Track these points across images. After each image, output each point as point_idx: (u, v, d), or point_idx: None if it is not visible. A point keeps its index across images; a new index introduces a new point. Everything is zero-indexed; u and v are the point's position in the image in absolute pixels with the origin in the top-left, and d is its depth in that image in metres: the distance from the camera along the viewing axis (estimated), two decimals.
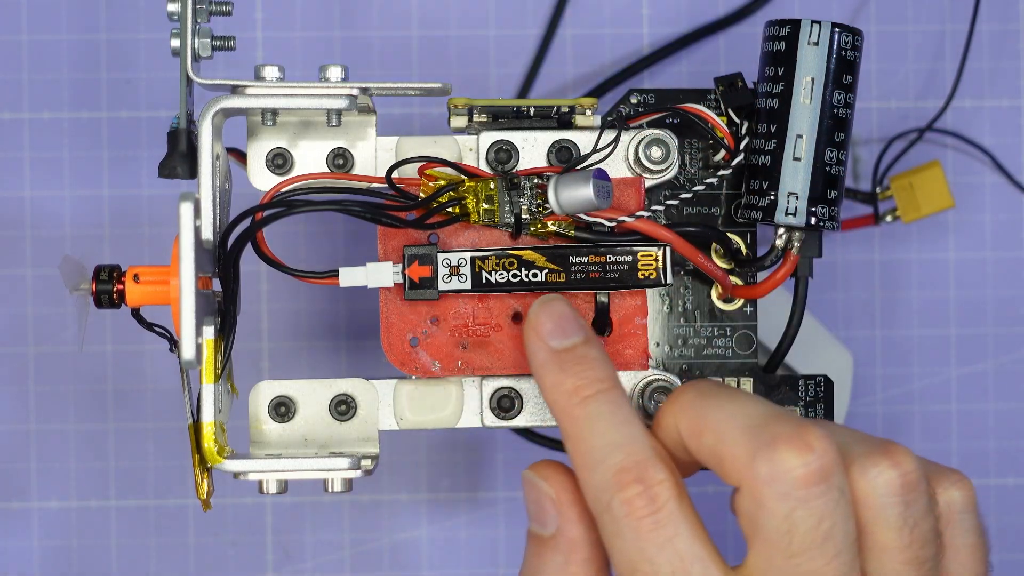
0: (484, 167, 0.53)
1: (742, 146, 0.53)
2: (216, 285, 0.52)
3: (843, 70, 0.52)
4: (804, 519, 0.44)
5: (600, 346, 0.49)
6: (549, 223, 0.51)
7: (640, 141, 0.53)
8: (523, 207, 0.51)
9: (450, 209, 0.51)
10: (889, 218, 0.66)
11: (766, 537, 0.45)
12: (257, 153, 0.53)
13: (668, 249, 0.52)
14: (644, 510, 0.45)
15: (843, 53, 0.52)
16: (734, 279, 0.54)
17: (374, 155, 0.53)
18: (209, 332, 0.50)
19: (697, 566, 0.45)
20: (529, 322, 0.49)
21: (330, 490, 0.51)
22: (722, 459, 0.46)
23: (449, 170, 0.52)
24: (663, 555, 0.45)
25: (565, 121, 0.53)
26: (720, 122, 0.53)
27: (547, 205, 0.51)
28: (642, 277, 0.52)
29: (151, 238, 0.66)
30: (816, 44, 0.51)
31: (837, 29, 0.51)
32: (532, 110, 0.53)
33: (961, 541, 0.48)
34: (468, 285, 0.52)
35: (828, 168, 0.52)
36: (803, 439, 0.44)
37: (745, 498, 0.45)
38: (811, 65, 0.51)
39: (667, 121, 0.54)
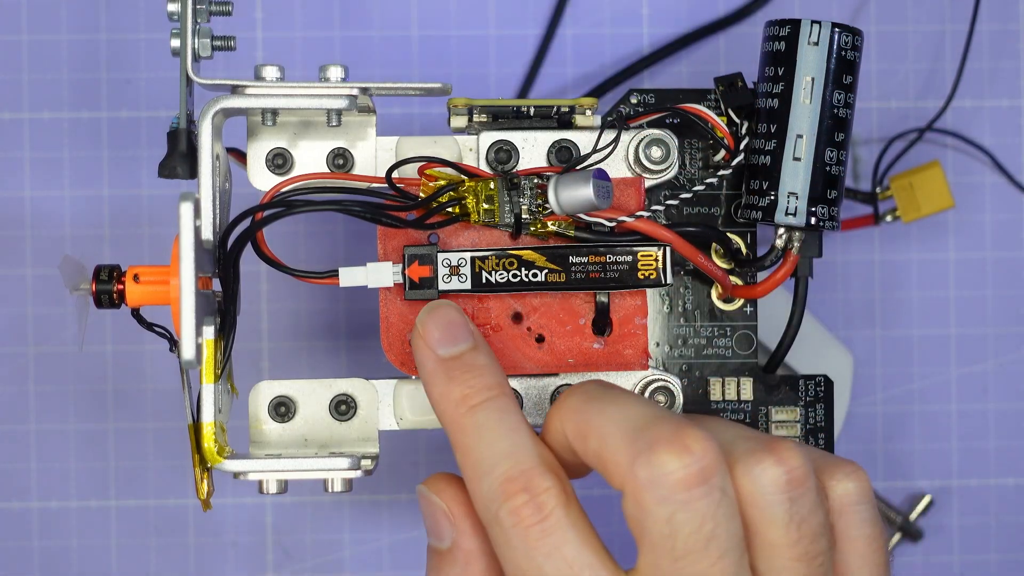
0: (484, 167, 0.53)
1: (742, 146, 0.53)
2: (216, 285, 0.52)
3: (843, 70, 0.52)
4: (686, 522, 0.44)
5: (489, 352, 0.49)
6: (549, 223, 0.51)
7: (640, 141, 0.53)
8: (523, 207, 0.51)
9: (450, 209, 0.51)
10: (889, 218, 0.66)
11: (651, 541, 0.45)
12: (257, 153, 0.53)
13: (668, 249, 0.52)
14: (531, 519, 0.45)
15: (843, 53, 0.52)
16: (734, 279, 0.54)
17: (374, 155, 0.53)
18: (209, 332, 0.50)
19: (587, 572, 0.45)
20: (416, 329, 0.49)
21: (330, 490, 0.51)
22: (605, 463, 0.45)
23: (449, 170, 0.52)
24: (551, 563, 0.45)
25: (565, 121, 0.53)
26: (720, 122, 0.53)
27: (547, 205, 0.51)
28: (642, 277, 0.52)
29: (151, 238, 0.66)
30: (816, 44, 0.51)
31: (837, 29, 0.51)
32: (532, 110, 0.53)
33: (857, 532, 0.48)
34: (468, 285, 0.52)
35: (828, 168, 0.52)
36: (681, 441, 0.44)
37: (629, 502, 0.45)
38: (811, 65, 0.51)
39: (667, 121, 0.54)
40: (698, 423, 0.46)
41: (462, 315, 0.49)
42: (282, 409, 0.53)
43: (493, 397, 0.47)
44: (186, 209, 0.48)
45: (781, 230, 0.53)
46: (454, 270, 0.51)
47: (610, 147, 0.52)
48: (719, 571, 0.44)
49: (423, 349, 0.49)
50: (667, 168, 0.53)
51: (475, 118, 0.53)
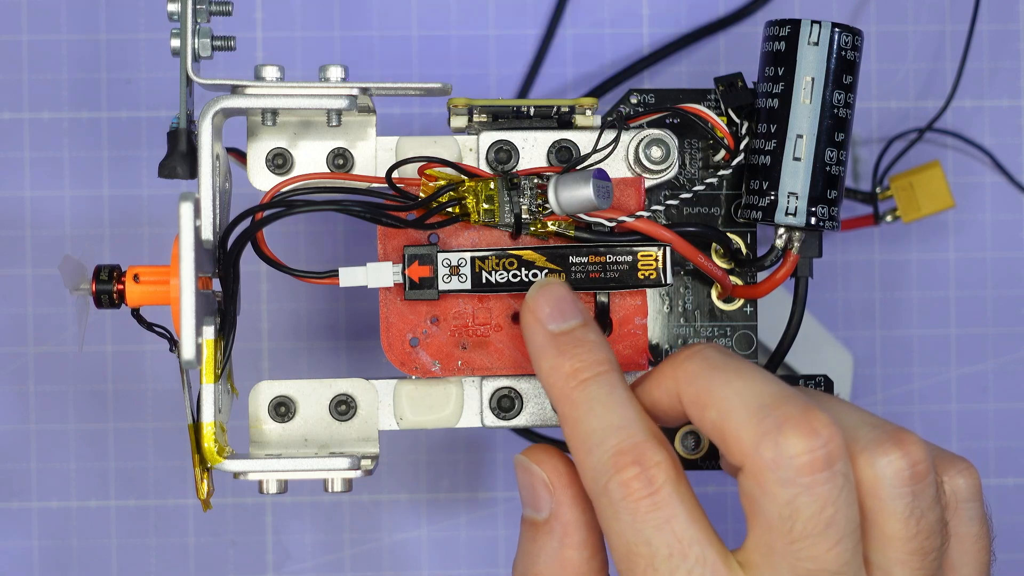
0: (484, 167, 0.53)
1: (742, 146, 0.53)
2: (216, 285, 0.52)
3: (843, 70, 0.52)
4: (807, 505, 0.44)
5: (598, 329, 0.49)
6: (549, 223, 0.51)
7: (640, 141, 0.53)
8: (523, 207, 0.51)
9: (450, 209, 0.51)
10: (889, 218, 0.66)
11: (767, 521, 0.45)
12: (257, 153, 0.53)
13: (668, 249, 0.52)
14: (641, 492, 0.45)
15: (843, 53, 0.52)
16: (734, 279, 0.54)
17: (374, 155, 0.53)
18: (209, 332, 0.50)
19: (695, 548, 0.45)
20: (527, 305, 0.49)
21: (330, 490, 0.51)
22: (725, 437, 0.45)
23: (449, 170, 0.52)
24: (660, 536, 0.45)
25: (565, 121, 0.53)
26: (720, 122, 0.53)
27: (547, 205, 0.51)
28: (642, 277, 0.52)
29: (151, 238, 0.66)
30: (816, 44, 0.51)
31: (837, 29, 0.51)
32: (532, 110, 0.53)
33: (966, 530, 0.48)
34: (468, 285, 0.52)
35: (828, 168, 0.52)
36: (809, 424, 0.44)
37: (748, 479, 0.45)
38: (811, 65, 0.51)
39: (667, 121, 0.54)
40: (823, 404, 0.46)
41: (571, 292, 0.49)
42: (282, 409, 0.53)
43: (604, 372, 0.47)
44: (186, 209, 0.48)
45: (781, 230, 0.53)
46: (454, 270, 0.51)
47: (610, 147, 0.52)
48: (834, 556, 0.44)
49: (533, 324, 0.48)
50: (667, 168, 0.53)
51: (475, 118, 0.53)
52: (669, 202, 0.54)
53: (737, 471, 0.45)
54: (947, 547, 0.47)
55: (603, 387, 0.47)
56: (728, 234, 0.54)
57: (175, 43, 0.50)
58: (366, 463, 0.52)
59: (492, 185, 0.51)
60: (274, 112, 0.51)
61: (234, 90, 0.51)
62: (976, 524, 0.48)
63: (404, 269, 0.51)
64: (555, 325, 0.48)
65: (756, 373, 0.46)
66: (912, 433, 0.46)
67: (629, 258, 0.52)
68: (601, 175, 0.50)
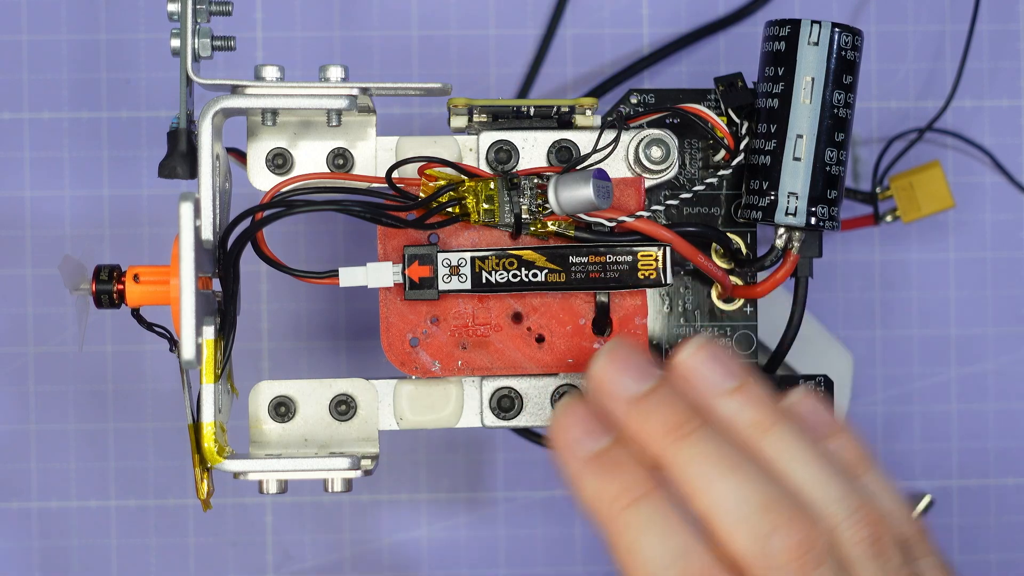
0: (484, 167, 0.53)
1: (742, 146, 0.53)
2: (216, 285, 0.52)
3: (843, 70, 0.52)
4: None
5: (628, 446, 0.47)
6: (549, 223, 0.51)
7: (640, 141, 0.53)
8: (523, 207, 0.51)
9: (450, 209, 0.51)
10: (889, 218, 0.66)
11: None
12: (257, 153, 0.53)
13: (668, 249, 0.52)
14: None
15: (843, 53, 0.52)
16: (734, 279, 0.54)
17: (374, 155, 0.53)
18: (209, 332, 0.50)
19: None
20: (555, 430, 0.47)
21: (330, 490, 0.51)
22: (716, 529, 0.45)
23: (449, 170, 0.52)
24: None
25: (565, 121, 0.53)
26: (720, 122, 0.53)
27: (547, 205, 0.51)
28: (642, 277, 0.52)
29: (151, 238, 0.66)
30: (816, 44, 0.51)
31: (837, 29, 0.51)
32: (532, 110, 0.53)
33: None
34: (468, 285, 0.52)
35: (828, 168, 0.52)
36: (799, 530, 0.44)
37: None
38: (811, 65, 0.51)
39: (667, 121, 0.54)
40: (805, 482, 0.46)
41: (593, 408, 0.47)
42: (282, 409, 0.53)
43: (650, 491, 0.46)
44: (186, 209, 0.48)
45: (781, 230, 0.53)
46: (454, 270, 0.51)
47: (610, 147, 0.52)
48: None
49: (566, 446, 0.47)
50: (667, 168, 0.53)
51: (475, 118, 0.53)
52: (669, 202, 0.54)
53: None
54: None
55: (654, 510, 0.45)
56: (728, 234, 0.54)
57: (175, 43, 0.50)
58: (366, 463, 0.52)
59: (492, 185, 0.51)
60: (274, 112, 0.51)
61: (234, 90, 0.51)
62: (937, 570, 0.48)
63: (404, 269, 0.51)
64: (591, 445, 0.47)
65: (748, 472, 0.45)
66: (872, 505, 0.46)
67: (629, 258, 0.52)
68: (601, 175, 0.50)
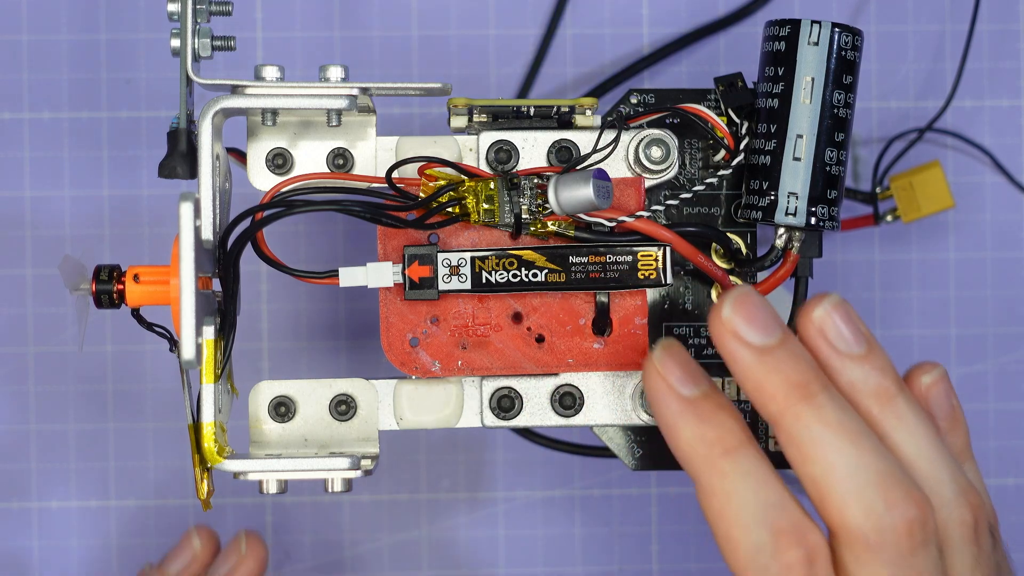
0: (484, 167, 0.53)
1: (742, 146, 0.53)
2: (216, 285, 0.52)
3: (843, 70, 0.52)
4: None
5: (724, 395, 0.47)
6: (549, 223, 0.51)
7: (640, 141, 0.53)
8: (523, 207, 0.51)
9: (450, 209, 0.51)
10: (889, 218, 0.66)
11: None
12: (257, 153, 0.53)
13: (668, 249, 0.52)
14: (804, 574, 0.45)
15: (843, 53, 0.52)
16: (734, 279, 0.54)
17: (374, 155, 0.53)
18: (209, 332, 0.50)
19: None
20: (653, 368, 0.47)
21: (330, 490, 0.51)
22: (825, 499, 0.45)
23: (449, 170, 0.52)
24: None
25: (565, 121, 0.53)
26: (720, 122, 0.53)
27: (547, 205, 0.51)
28: (642, 277, 0.52)
29: (151, 238, 0.66)
30: (816, 44, 0.51)
31: (837, 29, 0.51)
32: (532, 110, 0.53)
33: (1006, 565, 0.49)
34: (468, 285, 0.52)
35: (828, 168, 0.52)
36: (912, 508, 0.44)
37: (846, 551, 0.45)
38: (811, 65, 0.51)
39: (667, 121, 0.54)
40: (919, 456, 0.46)
41: (691, 356, 0.47)
42: (282, 409, 0.53)
43: (747, 440, 0.46)
44: (186, 209, 0.48)
45: (781, 230, 0.53)
46: (454, 270, 0.51)
47: (610, 147, 0.52)
48: None
49: (665, 390, 0.46)
50: (667, 168, 0.53)
51: (475, 118, 0.53)
52: (669, 202, 0.54)
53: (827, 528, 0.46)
54: None
55: (753, 458, 0.45)
56: (728, 234, 0.54)
57: (175, 43, 0.50)
58: (366, 463, 0.52)
59: (492, 185, 0.51)
60: (274, 112, 0.51)
61: (234, 90, 0.51)
62: (1005, 560, 0.49)
63: (404, 269, 0.51)
64: (688, 390, 0.46)
65: (868, 443, 0.45)
66: (974, 490, 0.47)
67: (629, 258, 0.52)
68: (601, 175, 0.50)
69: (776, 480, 0.46)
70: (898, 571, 0.44)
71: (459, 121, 0.53)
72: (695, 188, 0.54)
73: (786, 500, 0.45)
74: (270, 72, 0.51)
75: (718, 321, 0.46)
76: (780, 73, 0.52)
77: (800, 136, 0.52)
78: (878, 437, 0.46)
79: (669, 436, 0.46)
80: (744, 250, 0.54)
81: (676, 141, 0.53)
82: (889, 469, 0.45)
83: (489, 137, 0.53)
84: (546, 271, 0.52)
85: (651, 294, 0.54)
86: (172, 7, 0.50)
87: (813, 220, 0.52)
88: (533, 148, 0.53)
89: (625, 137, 0.53)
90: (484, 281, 0.52)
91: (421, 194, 0.51)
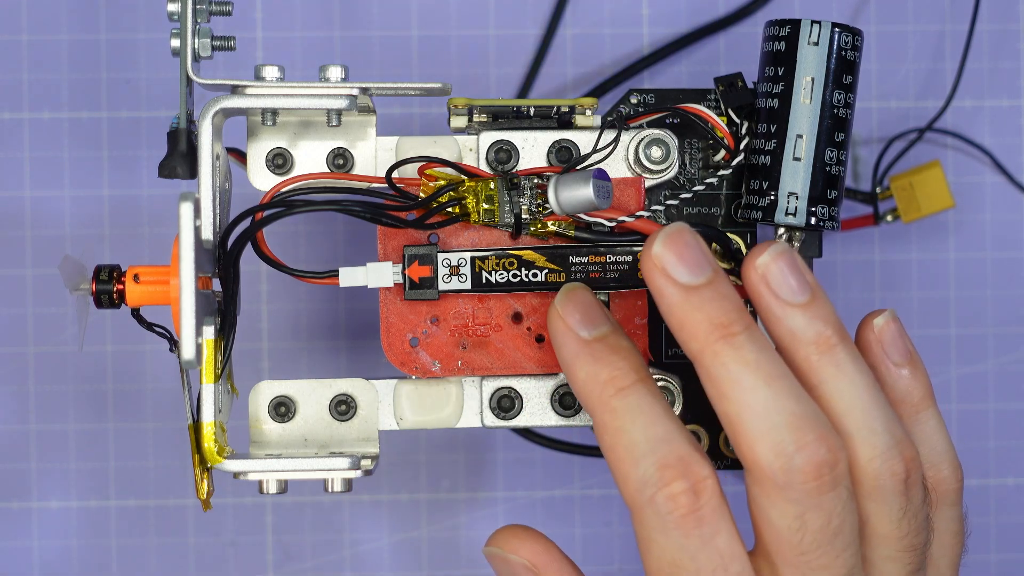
0: (484, 167, 0.53)
1: (742, 146, 0.53)
2: (216, 285, 0.52)
3: (843, 70, 0.52)
4: (815, 519, 0.45)
5: (626, 335, 0.48)
6: (549, 223, 0.51)
7: (640, 141, 0.53)
8: (523, 207, 0.51)
9: (450, 209, 0.51)
10: (889, 218, 0.66)
11: (777, 532, 0.45)
12: (257, 153, 0.53)
13: None
14: (688, 507, 0.45)
15: (843, 53, 0.52)
16: (734, 279, 0.54)
17: (374, 155, 0.53)
18: (209, 332, 0.50)
19: (735, 564, 0.45)
20: (555, 311, 0.48)
21: (330, 490, 0.51)
22: (738, 436, 0.45)
23: (449, 170, 0.52)
24: (705, 552, 0.45)
25: (565, 121, 0.53)
26: (720, 122, 0.53)
27: (547, 205, 0.51)
28: (642, 277, 0.52)
29: (151, 238, 0.66)
30: (816, 44, 0.51)
31: (837, 29, 0.51)
32: (532, 110, 0.53)
33: (945, 527, 0.50)
34: (468, 285, 0.52)
35: (828, 168, 0.52)
36: (823, 451, 0.45)
37: (758, 490, 0.45)
38: (811, 65, 0.51)
39: (667, 121, 0.54)
40: (837, 404, 0.46)
41: (597, 298, 0.49)
42: (282, 409, 0.53)
43: (642, 379, 0.47)
44: (186, 209, 0.48)
45: (781, 230, 0.53)
46: (454, 270, 0.52)
47: (610, 147, 0.52)
48: (841, 563, 0.46)
49: (564, 330, 0.48)
50: (667, 168, 0.53)
51: (475, 118, 0.53)
52: (669, 202, 0.54)
53: (743, 470, 0.46)
54: (930, 542, 0.48)
55: (644, 396, 0.47)
56: (728, 234, 0.54)
57: (175, 43, 0.50)
58: (366, 463, 0.52)
59: (492, 185, 0.51)
60: (274, 112, 0.51)
61: (234, 90, 0.51)
62: (955, 522, 0.50)
63: (404, 269, 0.52)
64: (587, 331, 0.48)
65: (785, 385, 0.46)
66: (910, 443, 0.47)
67: (629, 258, 0.52)
68: (601, 175, 0.50)
69: (667, 417, 0.46)
70: (805, 511, 0.45)
71: (459, 121, 0.53)
72: (695, 188, 0.54)
73: (674, 435, 0.46)
74: (270, 72, 0.51)
75: (648, 256, 0.46)
76: (780, 73, 0.52)
77: (800, 136, 0.52)
78: (814, 384, 0.46)
79: (568, 375, 0.48)
80: (744, 250, 0.54)
81: (676, 141, 0.53)
82: (804, 411, 0.45)
83: (489, 137, 0.53)
84: (546, 271, 0.52)
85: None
86: (172, 7, 0.50)
87: (813, 220, 0.52)
88: (533, 148, 0.53)
89: (625, 137, 0.53)
90: (484, 281, 0.52)
91: (421, 194, 0.51)
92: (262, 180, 0.53)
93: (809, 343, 0.47)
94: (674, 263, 0.46)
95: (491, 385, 0.53)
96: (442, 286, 0.52)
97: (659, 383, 0.53)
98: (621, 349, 0.47)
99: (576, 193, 0.50)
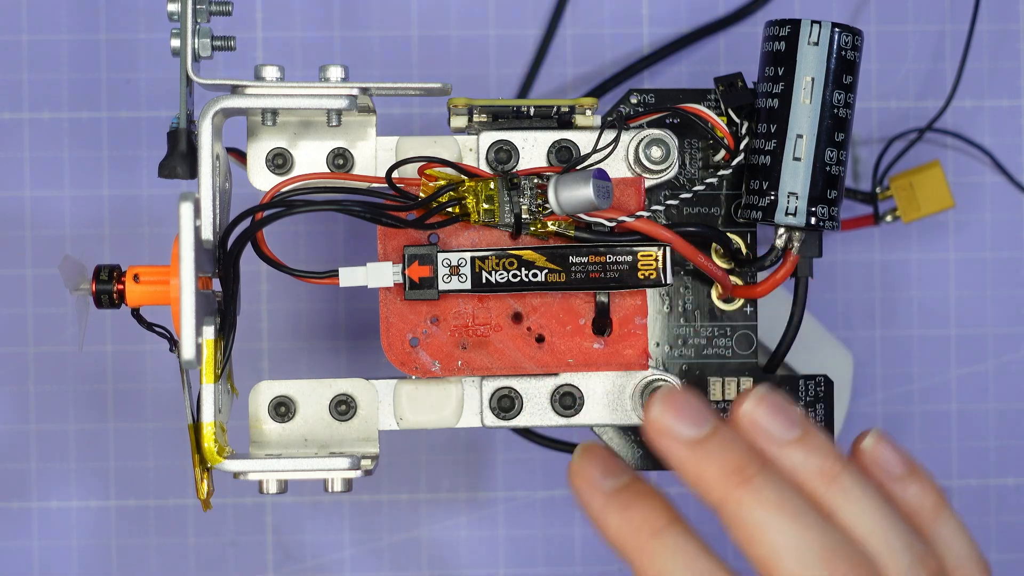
0: (484, 167, 0.53)
1: (742, 146, 0.53)
2: (216, 285, 0.52)
3: (843, 70, 0.52)
4: None
5: (648, 481, 0.48)
6: (549, 223, 0.51)
7: (640, 141, 0.53)
8: (523, 207, 0.51)
9: (450, 209, 0.51)
10: (889, 218, 0.66)
11: None
12: (257, 153, 0.53)
13: (668, 249, 0.52)
14: None
15: (843, 53, 0.52)
16: (734, 279, 0.54)
17: (374, 155, 0.53)
18: (209, 332, 0.50)
19: None
20: (575, 472, 0.48)
21: (330, 490, 0.51)
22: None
23: (449, 170, 0.52)
24: None
25: (565, 121, 0.53)
26: (720, 122, 0.53)
27: (547, 205, 0.51)
28: (642, 277, 0.52)
29: (151, 238, 0.66)
30: (816, 44, 0.51)
31: (837, 29, 0.51)
32: (532, 110, 0.53)
33: None
34: (468, 285, 0.52)
35: (828, 168, 0.52)
36: (855, 572, 0.45)
37: None
38: (811, 65, 0.51)
39: (667, 121, 0.54)
40: (865, 522, 0.46)
41: (613, 451, 0.49)
42: (282, 409, 0.53)
43: (674, 520, 0.46)
44: (186, 209, 0.48)
45: (781, 230, 0.53)
46: (454, 270, 0.51)
47: (610, 147, 0.52)
48: None
49: (587, 488, 0.47)
50: (667, 168, 0.53)
51: (475, 118, 0.53)
52: (669, 202, 0.54)
53: None
54: None
55: (680, 534, 0.46)
56: (728, 234, 0.54)
57: (175, 43, 0.50)
58: (366, 463, 0.52)
59: (492, 185, 0.51)
60: (274, 112, 0.51)
61: (234, 90, 0.51)
62: None
63: (404, 269, 0.51)
64: (611, 483, 0.47)
65: (808, 520, 0.46)
66: (931, 555, 0.47)
67: (629, 258, 0.52)
68: (601, 175, 0.50)
69: (705, 553, 0.46)
70: None
71: (459, 121, 0.53)
72: (695, 188, 0.54)
73: (716, 569, 0.46)
74: (270, 72, 0.51)
75: (649, 421, 0.47)
76: (780, 73, 0.52)
77: (800, 136, 0.52)
78: (827, 516, 0.46)
79: (600, 530, 0.47)
80: (744, 250, 0.54)
81: (676, 141, 0.53)
82: (833, 543, 0.45)
83: (489, 137, 0.53)
84: (546, 271, 0.52)
85: (651, 294, 0.54)
86: (172, 7, 0.50)
87: (813, 220, 0.52)
88: (533, 148, 0.53)
89: (625, 137, 0.53)
90: (484, 281, 0.52)
91: (421, 194, 0.51)
92: (262, 180, 0.53)
93: (813, 476, 0.46)
94: (674, 422, 0.46)
95: (491, 385, 0.53)
96: (442, 286, 0.52)
97: (659, 383, 0.53)
98: (647, 494, 0.47)
99: (576, 193, 0.50)
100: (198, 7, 0.50)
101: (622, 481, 0.48)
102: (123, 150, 0.66)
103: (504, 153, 0.53)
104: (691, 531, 0.47)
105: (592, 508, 0.48)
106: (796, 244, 0.53)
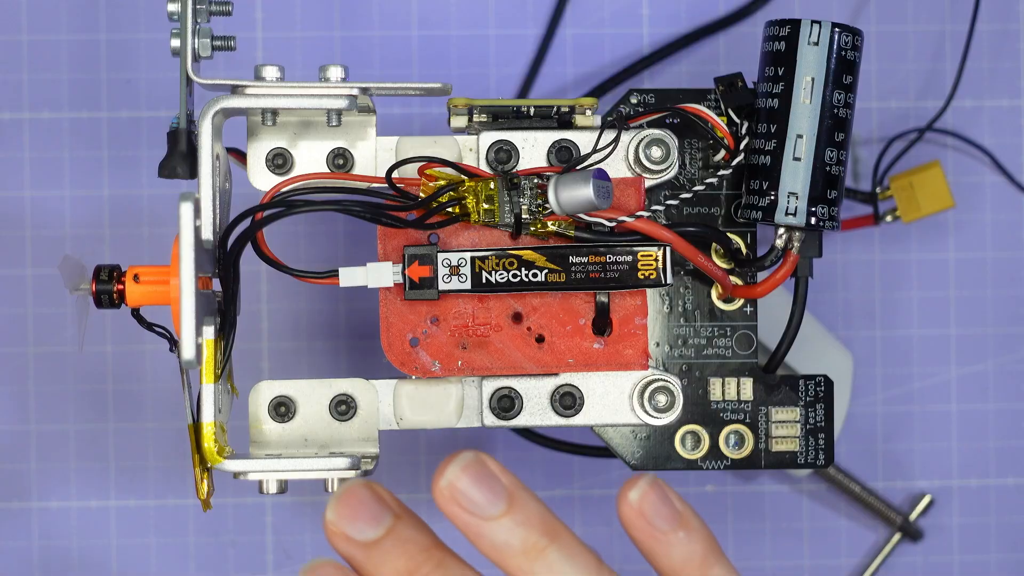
0: (484, 167, 0.53)
1: (742, 146, 0.53)
2: (216, 285, 0.52)
3: (843, 70, 0.52)
4: None
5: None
6: (549, 223, 0.51)
7: (640, 141, 0.53)
8: (523, 207, 0.51)
9: (450, 209, 0.51)
10: (889, 218, 0.66)
11: None
12: (257, 153, 0.53)
13: (668, 249, 0.52)
14: None
15: (843, 53, 0.52)
16: (734, 279, 0.54)
17: (374, 155, 0.53)
18: (209, 332, 0.50)
19: None
20: (327, 526, 0.45)
21: (330, 490, 0.51)
22: None
23: (449, 170, 0.52)
24: None
25: (565, 121, 0.53)
26: (720, 122, 0.53)
27: (547, 205, 0.51)
28: (642, 277, 0.52)
29: (151, 238, 0.66)
30: (816, 44, 0.51)
31: (837, 29, 0.51)
32: (532, 110, 0.53)
33: None
34: (468, 285, 0.52)
35: (828, 168, 0.52)
36: None
37: None
38: (811, 65, 0.51)
39: (667, 121, 0.54)
40: None
41: (377, 492, 0.46)
42: (282, 409, 0.53)
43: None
44: (186, 209, 0.48)
45: (781, 230, 0.53)
46: (454, 270, 0.51)
47: (610, 147, 0.52)
48: None
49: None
50: (667, 168, 0.53)
51: (475, 118, 0.53)
52: (669, 202, 0.54)
53: None
54: None
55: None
56: (728, 234, 0.54)
57: (175, 43, 0.50)
58: (366, 463, 0.52)
59: (492, 185, 0.51)
60: (274, 112, 0.51)
61: (234, 90, 0.51)
62: None
63: (404, 269, 0.52)
64: (370, 533, 0.45)
65: None
66: None
67: (629, 258, 0.52)
68: (601, 175, 0.50)
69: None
70: None
71: (459, 121, 0.53)
72: (695, 188, 0.54)
73: None
74: (270, 72, 0.51)
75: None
76: (780, 73, 0.52)
77: (800, 136, 0.52)
78: None
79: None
80: (744, 250, 0.54)
81: (676, 141, 0.53)
82: None
83: (489, 137, 0.53)
84: (546, 271, 0.52)
85: (651, 294, 0.54)
86: (172, 7, 0.50)
87: (813, 220, 0.52)
88: (533, 148, 0.53)
89: (625, 137, 0.53)
90: (484, 281, 0.52)
91: (421, 194, 0.51)
92: (262, 180, 0.53)
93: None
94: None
95: (491, 385, 0.53)
96: (442, 286, 0.52)
97: (659, 384, 0.53)
98: (408, 537, 0.45)
99: (576, 193, 0.50)
100: (198, 7, 0.50)
101: (384, 526, 0.45)
102: (123, 150, 0.66)
103: (504, 153, 0.53)
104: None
105: (355, 564, 0.45)
106: (796, 244, 0.53)
